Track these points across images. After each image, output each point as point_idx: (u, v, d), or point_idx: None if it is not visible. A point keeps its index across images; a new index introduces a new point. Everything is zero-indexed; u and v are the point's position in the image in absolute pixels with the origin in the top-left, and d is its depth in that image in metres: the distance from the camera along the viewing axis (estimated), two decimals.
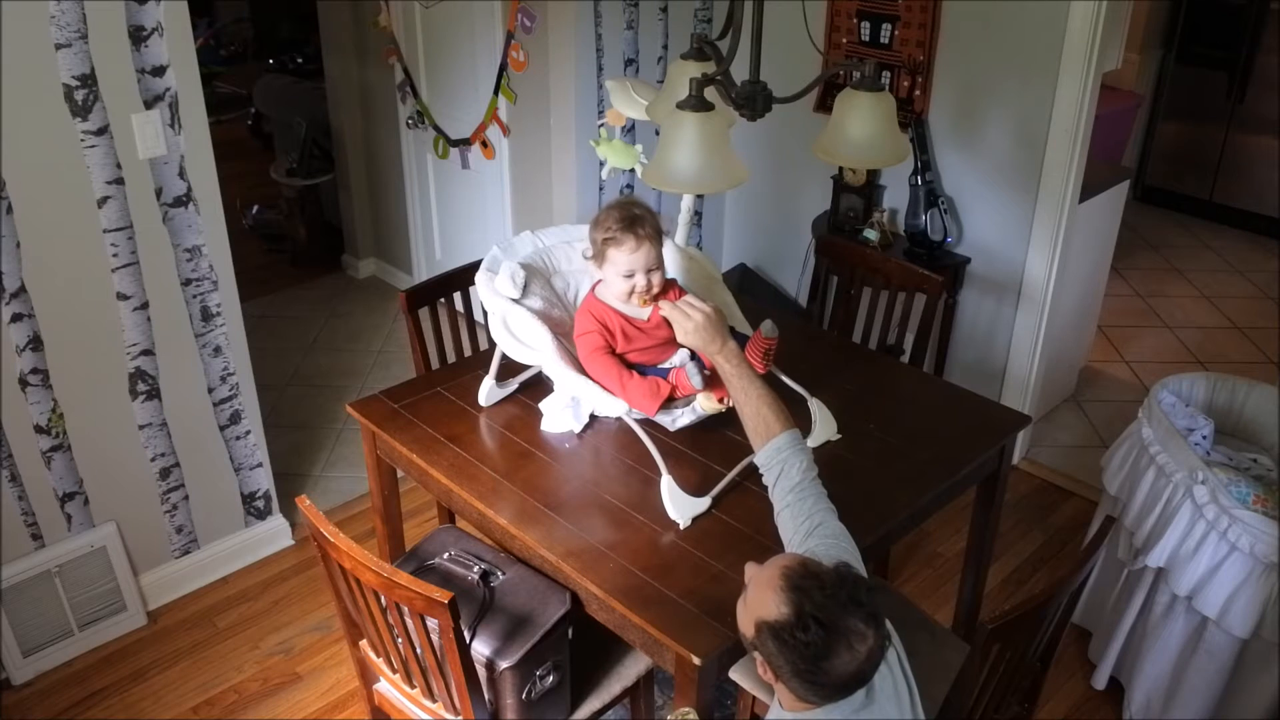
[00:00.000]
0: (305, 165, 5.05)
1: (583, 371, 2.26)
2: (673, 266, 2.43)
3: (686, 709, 1.81)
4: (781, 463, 1.86)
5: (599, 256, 2.23)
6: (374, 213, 4.95)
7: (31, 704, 2.77)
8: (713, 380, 2.24)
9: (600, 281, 2.30)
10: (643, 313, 2.27)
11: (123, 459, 2.89)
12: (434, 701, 2.07)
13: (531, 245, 2.48)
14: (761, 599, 1.53)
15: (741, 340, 2.12)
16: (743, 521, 2.09)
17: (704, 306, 2.03)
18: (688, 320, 2.02)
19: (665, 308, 2.09)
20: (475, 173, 4.18)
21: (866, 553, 1.83)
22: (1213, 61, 5.53)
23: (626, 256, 2.18)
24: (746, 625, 1.57)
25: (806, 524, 1.79)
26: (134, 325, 2.79)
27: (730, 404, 2.21)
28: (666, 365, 2.31)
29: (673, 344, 2.30)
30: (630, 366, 2.27)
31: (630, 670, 2.25)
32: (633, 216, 2.18)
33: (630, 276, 2.21)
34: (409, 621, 1.90)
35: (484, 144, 4.05)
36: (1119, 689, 2.78)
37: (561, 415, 2.34)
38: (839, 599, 1.49)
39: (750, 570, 1.62)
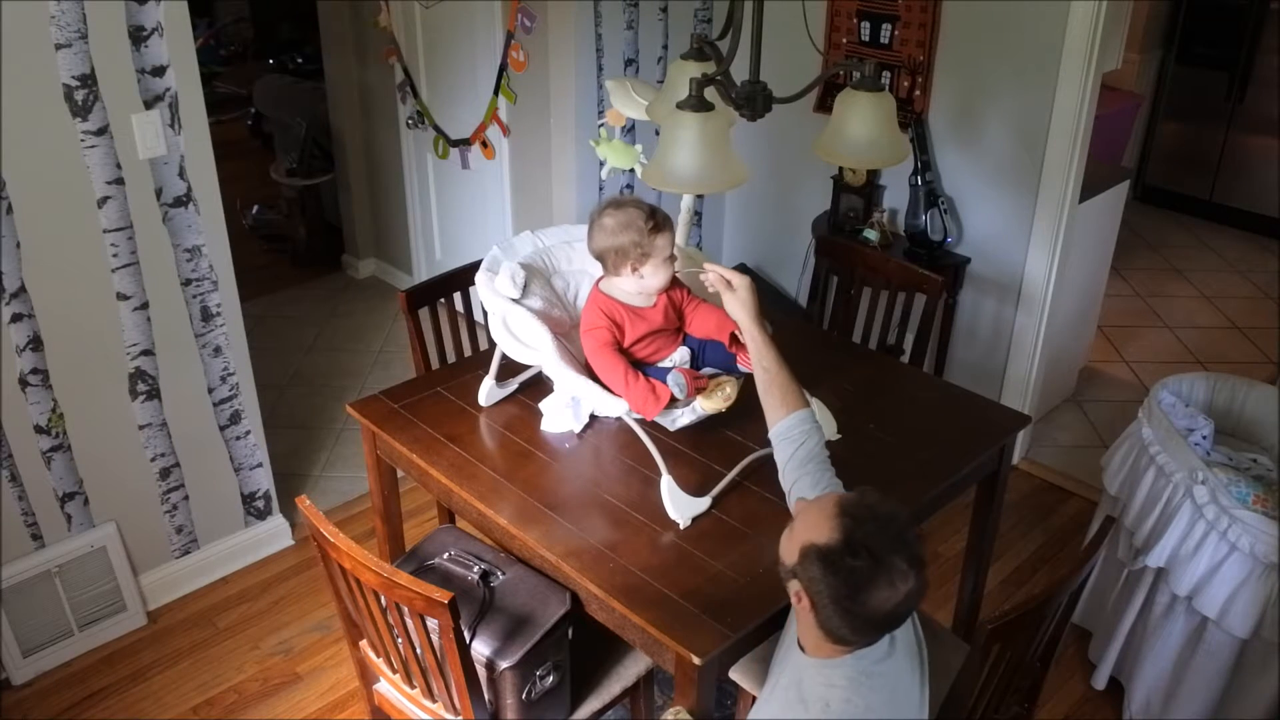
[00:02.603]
0: (305, 165, 5.04)
1: (583, 371, 2.26)
2: None
3: (678, 708, 1.82)
4: (805, 434, 1.93)
5: (638, 254, 2.18)
6: (374, 213, 4.95)
7: (31, 704, 2.77)
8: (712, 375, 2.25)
9: (604, 277, 2.29)
10: (648, 303, 2.27)
11: (123, 459, 2.89)
12: (434, 702, 2.07)
13: (531, 245, 2.48)
14: (814, 523, 1.57)
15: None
16: (743, 521, 2.09)
17: (742, 276, 2.09)
18: (733, 289, 2.07)
19: (711, 273, 2.12)
20: (475, 173, 4.18)
21: None
22: (1213, 61, 5.53)
23: (670, 239, 2.21)
24: (790, 552, 1.60)
25: (830, 487, 1.87)
26: (134, 325, 2.79)
27: (729, 403, 2.22)
28: (667, 363, 2.31)
29: (675, 337, 2.31)
30: (632, 364, 2.27)
31: (630, 670, 2.25)
32: (651, 208, 2.21)
33: (671, 259, 2.23)
34: (409, 621, 1.90)
35: (484, 144, 4.05)
36: (1119, 689, 2.78)
37: (561, 415, 2.34)
38: (890, 533, 1.55)
39: (800, 505, 1.68)
